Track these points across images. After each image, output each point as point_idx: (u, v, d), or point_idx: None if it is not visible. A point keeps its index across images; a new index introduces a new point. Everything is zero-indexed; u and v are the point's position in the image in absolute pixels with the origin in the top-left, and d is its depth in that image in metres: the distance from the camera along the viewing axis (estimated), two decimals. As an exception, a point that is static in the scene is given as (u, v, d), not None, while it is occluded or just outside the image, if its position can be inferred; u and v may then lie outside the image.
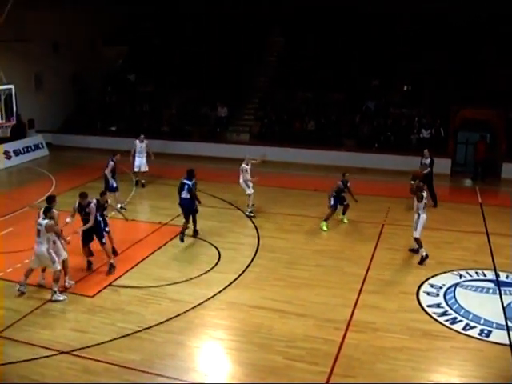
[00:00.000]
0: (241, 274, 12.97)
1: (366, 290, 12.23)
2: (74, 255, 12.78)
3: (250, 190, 17.15)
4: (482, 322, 10.88)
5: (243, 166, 17.14)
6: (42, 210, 11.64)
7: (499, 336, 10.37)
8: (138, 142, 20.02)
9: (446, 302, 11.72)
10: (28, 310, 11.18)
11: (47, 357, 9.66)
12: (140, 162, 19.97)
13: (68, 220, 12.69)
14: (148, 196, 19.86)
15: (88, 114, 29.21)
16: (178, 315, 11.07)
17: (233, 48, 29.15)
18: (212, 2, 29.82)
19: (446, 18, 25.80)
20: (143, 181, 20.34)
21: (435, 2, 25.31)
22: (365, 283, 12.54)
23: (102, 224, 13.02)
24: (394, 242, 15.04)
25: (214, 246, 14.63)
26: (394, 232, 15.79)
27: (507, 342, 10.16)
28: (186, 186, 14.95)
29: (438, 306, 11.54)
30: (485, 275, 13.01)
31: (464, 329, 10.64)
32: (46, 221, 11.38)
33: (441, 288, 12.33)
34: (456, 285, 12.50)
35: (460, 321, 10.94)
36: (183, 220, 15.13)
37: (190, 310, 11.30)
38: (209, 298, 11.77)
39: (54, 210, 11.79)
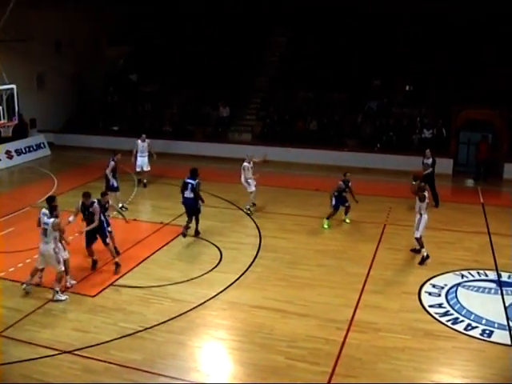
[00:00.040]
0: (242, 274, 12.97)
1: (368, 290, 12.22)
2: (75, 255, 12.79)
3: (251, 189, 17.26)
4: (483, 322, 10.87)
5: (245, 164, 17.25)
6: (43, 210, 11.64)
7: (501, 336, 10.36)
8: (139, 141, 20.03)
9: (448, 302, 11.71)
10: (30, 310, 11.20)
11: (49, 356, 9.67)
12: (142, 162, 19.99)
13: (70, 219, 12.70)
14: (150, 196, 19.87)
15: (90, 113, 29.23)
16: (180, 315, 11.08)
17: (233, 48, 29.16)
18: (212, 2, 29.82)
19: (446, 18, 25.79)
20: (145, 180, 20.34)
21: (435, 1, 25.30)
22: (367, 283, 12.53)
23: (105, 224, 13.03)
24: (396, 242, 15.03)
25: (216, 246, 14.63)
26: (395, 232, 15.78)
27: (509, 343, 10.15)
28: (190, 186, 14.98)
29: (440, 306, 11.53)
30: (486, 275, 12.99)
31: (466, 329, 10.63)
32: (52, 219, 11.39)
33: (442, 288, 12.31)
34: (458, 285, 12.48)
35: (462, 321, 10.93)
36: (186, 218, 15.21)
37: (191, 309, 11.30)
38: (210, 298, 11.77)
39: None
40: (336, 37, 28.06)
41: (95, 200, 12.77)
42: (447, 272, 13.11)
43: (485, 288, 12.37)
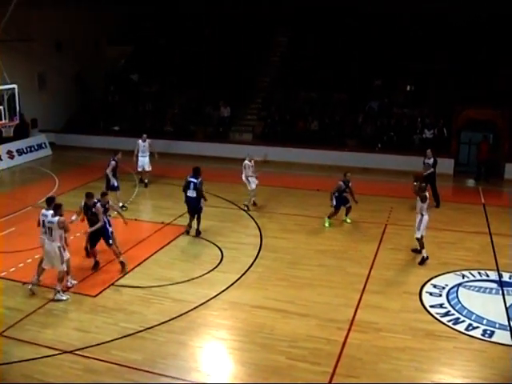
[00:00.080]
0: (243, 274, 12.97)
1: (369, 290, 12.22)
2: (75, 255, 12.80)
3: (251, 187, 17.35)
4: (484, 322, 10.87)
5: (245, 162, 17.42)
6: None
7: (502, 336, 10.36)
8: (140, 141, 20.04)
9: (449, 302, 11.70)
10: (31, 310, 11.21)
11: (50, 356, 9.68)
12: (143, 162, 20.00)
13: (73, 218, 12.74)
14: (151, 196, 19.88)
15: (91, 113, 29.23)
16: (181, 315, 11.08)
17: (233, 48, 29.15)
18: (212, 2, 29.82)
19: (446, 18, 25.78)
20: (146, 180, 20.35)
21: (435, 1, 25.28)
22: (367, 283, 12.53)
23: (107, 225, 13.01)
24: (397, 242, 15.03)
25: (217, 246, 14.64)
26: (396, 232, 15.77)
27: (510, 343, 10.15)
28: (192, 184, 15.03)
29: (441, 306, 11.53)
30: (488, 275, 12.99)
31: (467, 329, 10.63)
32: (57, 217, 11.41)
33: (443, 288, 12.31)
34: (459, 285, 12.48)
35: (463, 321, 10.92)
36: (188, 216, 15.34)
37: (192, 309, 11.30)
38: (211, 298, 11.77)
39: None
40: (336, 37, 28.04)
41: (97, 200, 12.79)
42: (448, 272, 13.10)
43: (486, 288, 12.37)
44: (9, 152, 24.32)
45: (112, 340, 10.17)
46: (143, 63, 30.72)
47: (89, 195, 12.81)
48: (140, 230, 16.12)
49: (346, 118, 25.66)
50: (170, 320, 10.89)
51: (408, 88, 26.22)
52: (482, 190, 20.52)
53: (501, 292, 12.15)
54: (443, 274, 13.01)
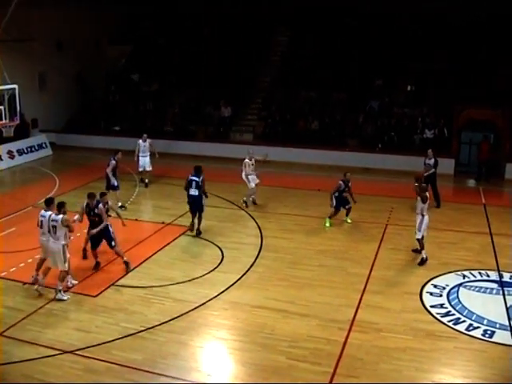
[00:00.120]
0: (244, 274, 12.97)
1: (370, 290, 12.21)
2: (75, 255, 12.79)
3: (251, 185, 17.39)
4: (485, 322, 10.86)
5: (246, 160, 17.51)
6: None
7: (502, 336, 10.35)
8: (141, 141, 20.04)
9: (450, 302, 11.70)
10: (31, 310, 11.20)
11: (50, 356, 9.68)
12: (144, 162, 19.99)
13: (76, 217, 12.74)
14: (151, 196, 19.88)
15: (92, 113, 29.22)
16: (181, 315, 11.08)
17: (232, 47, 29.16)
18: (211, 2, 29.80)
19: (446, 18, 25.77)
20: (146, 180, 20.35)
21: (435, 1, 25.28)
22: (368, 283, 12.53)
23: (109, 226, 12.98)
24: (398, 242, 15.02)
25: (218, 246, 14.64)
26: (397, 232, 15.77)
27: (510, 343, 10.14)
28: (194, 183, 15.08)
29: (442, 306, 11.52)
30: (488, 276, 12.98)
31: (467, 329, 10.62)
32: (61, 215, 11.42)
33: (444, 288, 12.30)
34: (459, 285, 12.47)
35: (463, 321, 10.92)
36: (190, 215, 15.42)
37: (192, 309, 11.30)
38: (212, 298, 11.77)
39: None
40: (336, 36, 28.04)
41: (100, 200, 12.80)
42: (449, 272, 13.09)
43: (486, 288, 12.36)
44: (9, 152, 24.32)
45: (112, 340, 10.17)
46: (143, 63, 30.69)
47: (91, 196, 12.81)
48: (140, 229, 16.12)
49: (347, 117, 25.65)
50: (170, 320, 10.89)
51: (408, 88, 26.20)
52: (482, 190, 20.51)
53: (501, 292, 12.14)
54: (444, 274, 13.00)
